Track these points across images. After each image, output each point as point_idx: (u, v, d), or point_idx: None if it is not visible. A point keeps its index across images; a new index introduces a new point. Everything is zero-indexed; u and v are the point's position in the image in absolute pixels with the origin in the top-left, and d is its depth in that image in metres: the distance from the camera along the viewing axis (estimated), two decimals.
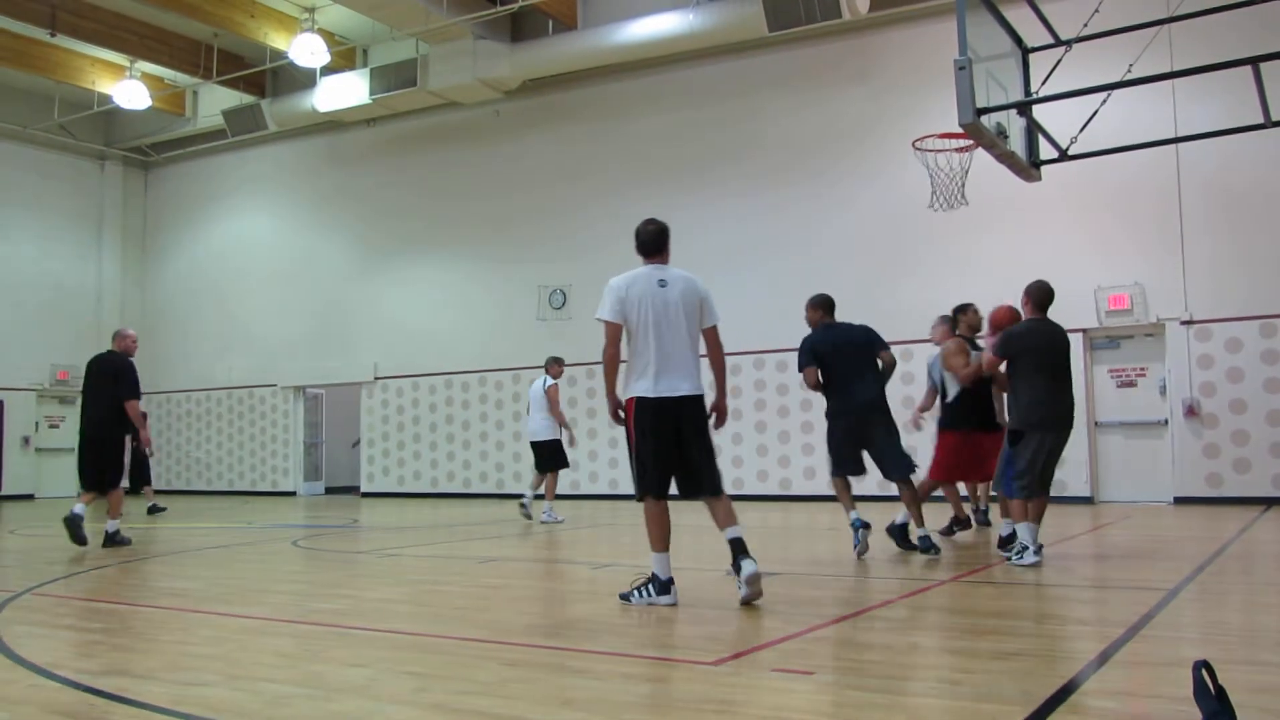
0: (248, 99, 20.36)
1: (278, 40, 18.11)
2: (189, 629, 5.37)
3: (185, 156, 23.07)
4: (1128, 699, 3.69)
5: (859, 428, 7.80)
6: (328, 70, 19.07)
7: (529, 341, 18.31)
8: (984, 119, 6.84)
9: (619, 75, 18.02)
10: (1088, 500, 14.40)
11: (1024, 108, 7.58)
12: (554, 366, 12.65)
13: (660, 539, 5.71)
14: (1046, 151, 8.09)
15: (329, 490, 21.81)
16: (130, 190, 23.71)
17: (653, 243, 5.83)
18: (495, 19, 17.14)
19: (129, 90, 19.68)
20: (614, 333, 5.63)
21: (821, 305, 8.19)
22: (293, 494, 20.86)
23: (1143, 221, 14.27)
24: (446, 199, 19.70)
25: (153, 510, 14.43)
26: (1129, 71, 7.35)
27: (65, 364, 21.90)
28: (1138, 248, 14.30)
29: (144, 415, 10.03)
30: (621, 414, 5.70)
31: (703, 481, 5.70)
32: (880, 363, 7.95)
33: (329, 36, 18.33)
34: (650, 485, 5.65)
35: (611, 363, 5.64)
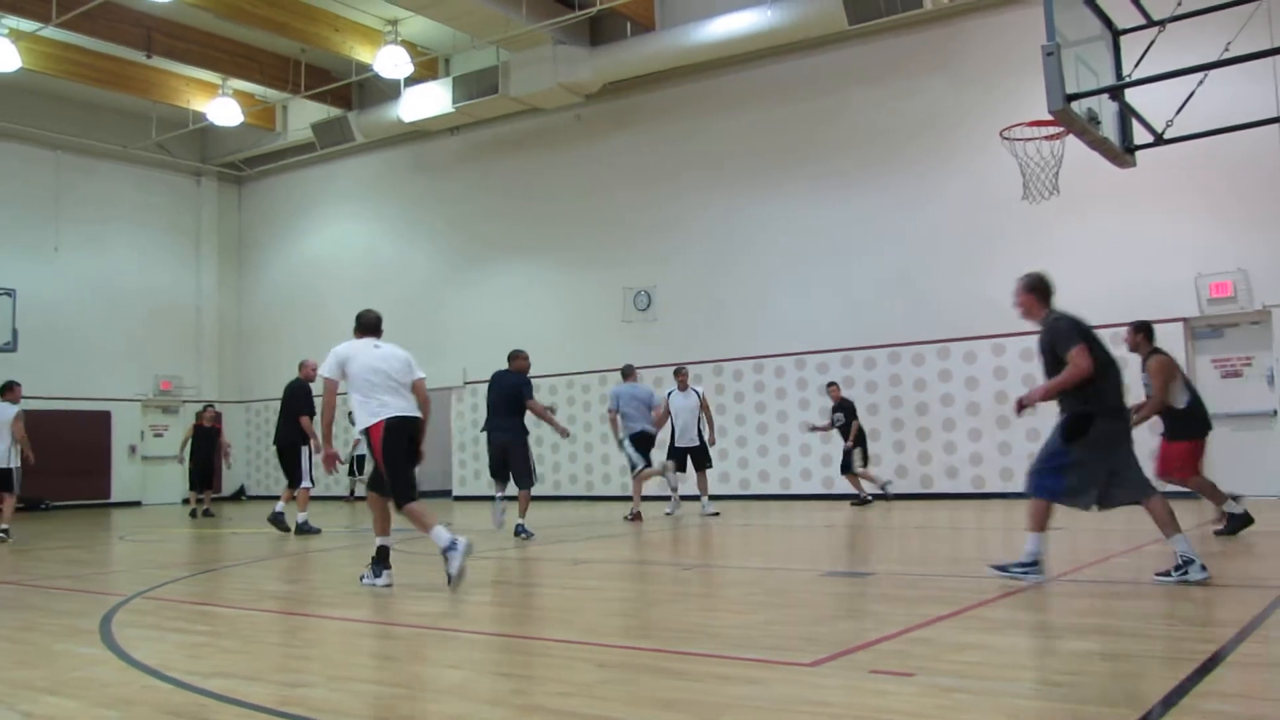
0: (335, 112, 20.80)
1: (362, 53, 18.48)
2: (291, 631, 5.51)
3: (276, 170, 23.68)
4: (1244, 701, 3.56)
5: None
6: (411, 81, 19.39)
7: (615, 343, 18.41)
8: (1074, 105, 6.68)
9: (698, 75, 17.99)
10: (1192, 496, 13.91)
11: (1116, 92, 7.37)
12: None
13: (386, 525, 7.11)
14: (1140, 136, 7.86)
15: (422, 494, 22.05)
16: (225, 204, 24.46)
17: (374, 325, 7.56)
18: (574, 24, 17.23)
19: (222, 107, 20.27)
20: (331, 387, 7.09)
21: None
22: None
23: (1244, 205, 13.77)
24: (531, 204, 19.86)
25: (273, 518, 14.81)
26: (1226, 50, 7.10)
27: (168, 374, 22.69)
28: (1240, 232, 13.80)
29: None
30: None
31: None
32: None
33: (412, 47, 18.64)
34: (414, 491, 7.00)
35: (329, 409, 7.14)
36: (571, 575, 7.75)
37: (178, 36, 18.49)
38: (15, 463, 12.41)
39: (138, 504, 22.17)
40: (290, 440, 12.44)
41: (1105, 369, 5.96)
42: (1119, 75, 7.55)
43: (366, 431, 6.92)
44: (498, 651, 4.77)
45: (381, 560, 6.87)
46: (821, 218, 16.67)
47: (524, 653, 4.68)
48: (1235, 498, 8.63)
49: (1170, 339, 13.87)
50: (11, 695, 3.95)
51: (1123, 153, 7.68)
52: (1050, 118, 6.77)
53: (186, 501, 17.47)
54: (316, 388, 13.40)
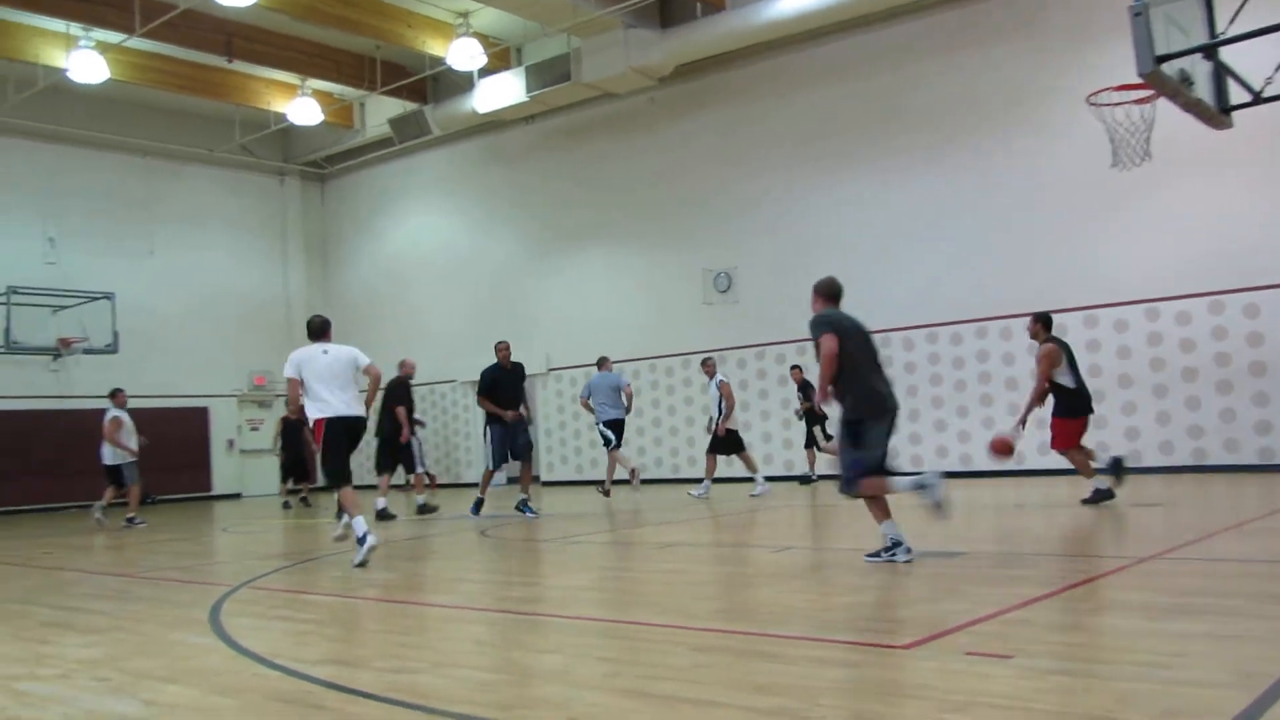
0: (411, 107, 21.07)
1: (435, 47, 18.68)
2: (392, 618, 5.64)
3: (357, 166, 24.08)
4: None
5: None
6: (485, 72, 19.55)
7: (696, 326, 18.41)
8: (1165, 66, 6.48)
9: (772, 52, 17.80)
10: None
11: (1210, 51, 7.13)
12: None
13: (358, 506, 8.09)
14: (1237, 95, 7.59)
15: (510, 480, 22.24)
16: (308, 202, 24.98)
17: (321, 330, 8.35)
18: (644, 6, 17.16)
19: (302, 107, 20.68)
20: (293, 383, 8.16)
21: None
22: (476, 484, 21.44)
23: None
24: (607, 189, 19.90)
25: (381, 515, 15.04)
26: None
27: (261, 370, 23.27)
28: None
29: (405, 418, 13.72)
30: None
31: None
32: None
33: (484, 39, 18.80)
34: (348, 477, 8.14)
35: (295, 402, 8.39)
36: (662, 558, 7.79)
37: (257, 40, 18.88)
38: (123, 459, 14.48)
39: (237, 496, 22.84)
40: (393, 431, 13.58)
41: (859, 364, 6.60)
42: (1212, 33, 7.30)
43: (313, 424, 8.13)
44: (593, 636, 4.83)
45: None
46: (904, 192, 16.40)
47: (618, 637, 4.74)
48: (1118, 465, 9.60)
49: (1270, 308, 13.46)
50: (133, 684, 4.12)
51: (1218, 114, 7.44)
52: (1140, 80, 6.57)
53: (285, 492, 17.96)
54: (403, 380, 13.92)
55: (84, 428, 18.06)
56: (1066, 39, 15.08)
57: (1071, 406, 9.74)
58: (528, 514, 11.93)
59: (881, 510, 6.59)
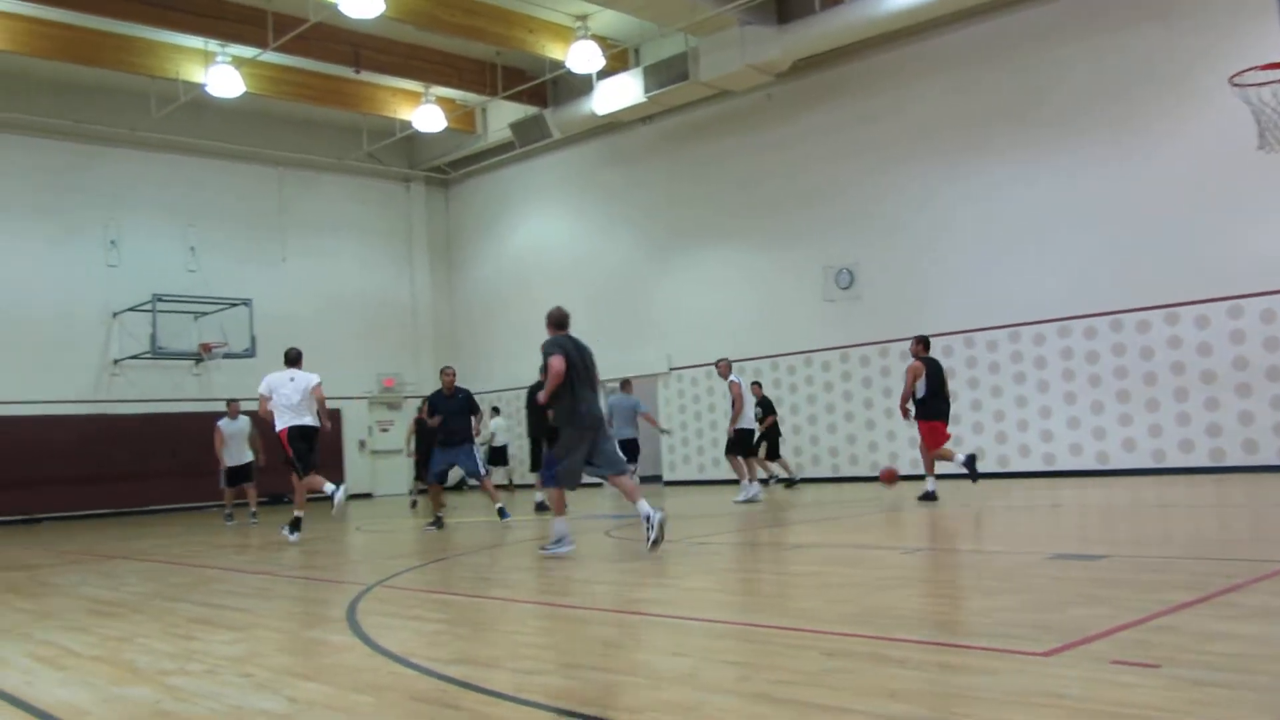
0: (532, 110, 21.36)
1: (555, 51, 18.89)
2: (522, 619, 5.72)
3: (479, 171, 24.55)
4: None
5: None
6: (603, 74, 19.69)
7: (818, 324, 18.25)
8: None
9: (892, 43, 17.48)
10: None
11: None
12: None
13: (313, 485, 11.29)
14: None
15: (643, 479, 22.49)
16: (433, 207, 25.60)
17: (294, 359, 11.41)
18: (761, 3, 17.06)
19: (426, 115, 21.18)
20: (263, 400, 11.17)
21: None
22: (599, 485, 21.65)
23: None
24: (726, 187, 19.81)
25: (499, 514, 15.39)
26: None
27: (389, 371, 23.90)
28: None
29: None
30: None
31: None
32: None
33: (602, 41, 18.94)
34: (311, 467, 11.19)
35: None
36: (791, 560, 7.72)
37: (382, 50, 19.41)
38: (250, 458, 15.87)
39: (369, 496, 23.49)
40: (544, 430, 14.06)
41: (573, 383, 8.01)
42: None
43: (279, 433, 10.99)
44: (722, 639, 4.81)
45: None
46: (1032, 183, 15.89)
47: (747, 640, 4.71)
48: (971, 463, 11.72)
49: None
50: (276, 681, 4.28)
51: None
52: None
53: (413, 493, 18.45)
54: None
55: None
56: (1203, 17, 14.40)
57: (926, 411, 11.75)
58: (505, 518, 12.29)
59: (560, 508, 8.22)
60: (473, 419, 12.39)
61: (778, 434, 16.93)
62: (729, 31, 17.67)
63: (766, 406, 16.41)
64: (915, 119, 17.26)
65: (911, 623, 4.85)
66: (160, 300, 20.42)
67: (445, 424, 12.29)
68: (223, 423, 15.41)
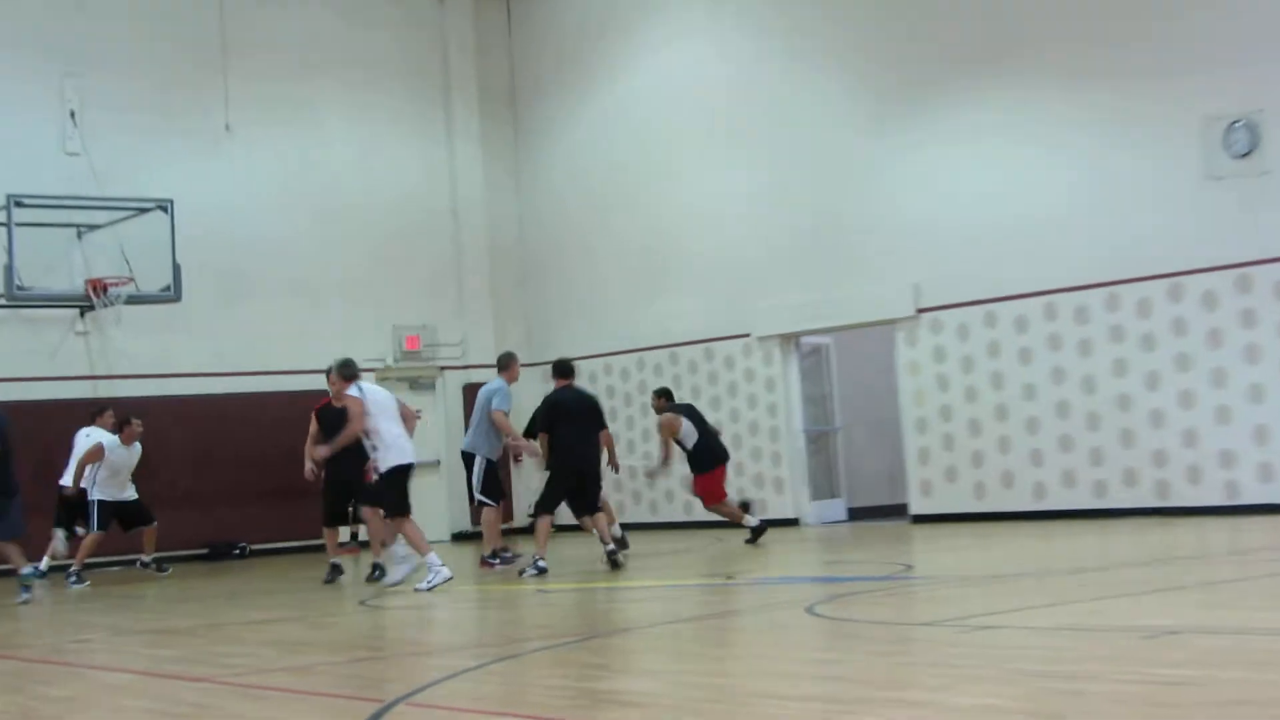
0: None
1: None
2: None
3: None
4: None
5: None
6: None
7: (1190, 219, 13.10)
8: None
9: None
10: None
11: None
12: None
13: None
14: None
15: (853, 514, 16.67)
16: (487, 37, 18.72)
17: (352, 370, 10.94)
18: None
19: None
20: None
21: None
22: (794, 522, 15.93)
23: None
24: None
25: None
26: None
27: (416, 325, 18.02)
28: None
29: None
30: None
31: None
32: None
33: None
34: None
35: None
36: (1151, 655, 5.10)
37: None
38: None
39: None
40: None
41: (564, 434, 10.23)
42: None
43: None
44: None
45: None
46: None
47: None
48: (747, 508, 12.66)
49: None
50: None
51: None
52: None
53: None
54: None
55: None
56: None
57: (702, 461, 12.28)
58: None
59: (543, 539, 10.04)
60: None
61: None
62: None
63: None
64: None
65: None
66: (19, 205, 14.52)
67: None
68: (107, 440, 12.69)
